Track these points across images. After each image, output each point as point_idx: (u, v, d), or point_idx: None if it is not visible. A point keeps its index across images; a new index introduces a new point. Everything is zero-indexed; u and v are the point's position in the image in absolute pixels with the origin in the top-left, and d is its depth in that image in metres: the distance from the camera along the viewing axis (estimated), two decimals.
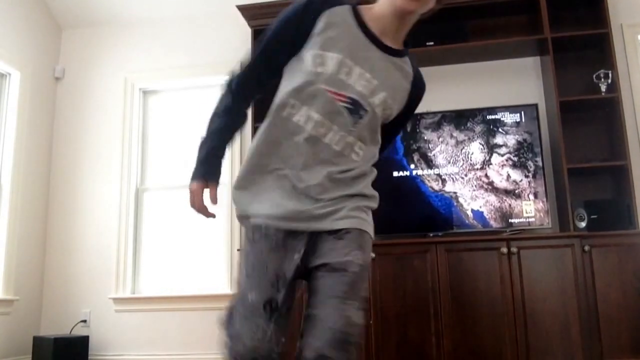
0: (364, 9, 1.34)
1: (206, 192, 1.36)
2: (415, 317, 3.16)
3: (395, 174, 3.57)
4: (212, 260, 4.02)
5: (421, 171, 3.56)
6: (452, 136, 3.57)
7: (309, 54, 1.28)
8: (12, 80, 4.06)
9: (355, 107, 1.29)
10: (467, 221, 3.46)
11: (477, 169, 3.51)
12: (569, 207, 3.29)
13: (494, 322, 3.10)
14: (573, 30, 3.59)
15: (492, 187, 3.47)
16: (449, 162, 3.54)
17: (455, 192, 3.51)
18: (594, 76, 3.50)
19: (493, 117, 3.55)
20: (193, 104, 4.29)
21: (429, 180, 3.54)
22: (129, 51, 4.40)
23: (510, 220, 3.42)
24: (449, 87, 3.83)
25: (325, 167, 1.28)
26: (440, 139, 3.57)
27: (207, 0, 4.23)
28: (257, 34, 3.88)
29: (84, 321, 3.99)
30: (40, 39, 4.31)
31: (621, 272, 3.08)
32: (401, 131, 1.86)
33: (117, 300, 3.99)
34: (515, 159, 3.48)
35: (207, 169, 1.36)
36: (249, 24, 3.92)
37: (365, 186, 1.35)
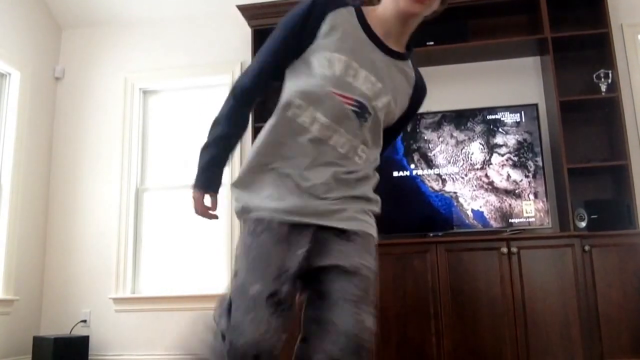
0: (367, 10, 1.33)
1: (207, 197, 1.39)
2: (415, 317, 3.16)
3: (395, 173, 3.57)
4: (212, 260, 4.02)
5: (421, 171, 3.55)
6: (452, 136, 3.57)
7: (315, 58, 1.27)
8: (12, 80, 4.06)
9: (362, 111, 1.28)
10: (467, 221, 3.46)
11: (477, 169, 3.51)
12: (569, 207, 3.29)
13: (494, 322, 3.10)
14: (573, 30, 3.59)
15: (492, 187, 3.47)
16: (449, 162, 3.54)
17: (455, 192, 3.50)
18: (594, 76, 3.50)
19: (493, 117, 3.55)
20: (193, 104, 4.29)
21: (429, 180, 3.54)
22: (129, 51, 4.39)
23: (510, 220, 3.42)
24: (449, 87, 3.84)
25: (331, 167, 1.27)
26: (441, 139, 3.57)
27: (207, 0, 4.23)
28: (257, 34, 3.88)
29: (84, 321, 3.99)
30: (40, 39, 4.31)
31: (621, 272, 3.08)
32: (401, 133, 1.86)
33: (117, 300, 3.99)
34: (516, 158, 3.48)
35: (208, 179, 1.36)
36: (249, 24, 3.92)
37: (368, 189, 1.35)
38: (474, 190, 3.49)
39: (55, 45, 4.47)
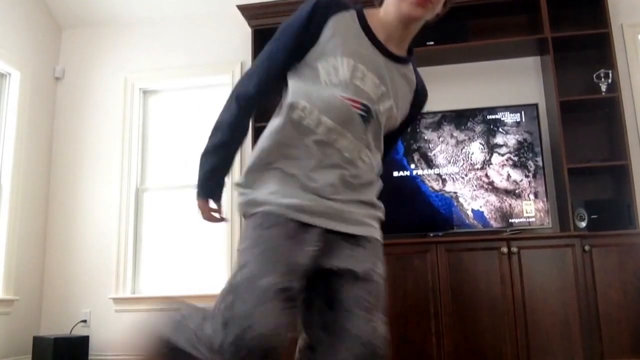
0: (369, 14, 1.31)
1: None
2: (415, 317, 3.16)
3: (395, 173, 3.57)
4: (212, 260, 4.02)
5: (421, 171, 3.55)
6: (452, 136, 3.57)
7: (320, 64, 1.25)
8: (12, 80, 4.06)
9: (367, 114, 1.27)
10: (467, 221, 3.46)
11: (478, 169, 3.51)
12: (569, 207, 3.29)
13: (494, 322, 3.10)
14: (573, 30, 3.59)
15: (492, 187, 3.47)
16: (449, 162, 3.54)
17: (455, 192, 3.50)
18: (594, 76, 3.49)
19: (493, 117, 3.55)
20: (193, 104, 4.28)
21: (429, 180, 3.54)
22: (129, 51, 4.39)
23: (510, 220, 3.42)
24: (449, 87, 3.83)
25: (337, 169, 1.26)
26: (441, 139, 3.57)
27: (207, 0, 4.23)
28: (257, 33, 3.88)
29: (84, 321, 3.99)
30: (40, 39, 4.31)
31: (621, 272, 3.08)
32: (400, 138, 1.85)
33: (117, 300, 3.99)
34: (516, 158, 3.48)
35: (211, 188, 1.34)
36: (249, 24, 3.92)
37: (373, 195, 1.34)
38: (474, 190, 3.49)
39: (55, 45, 4.47)
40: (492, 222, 3.43)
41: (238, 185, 1.32)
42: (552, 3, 3.57)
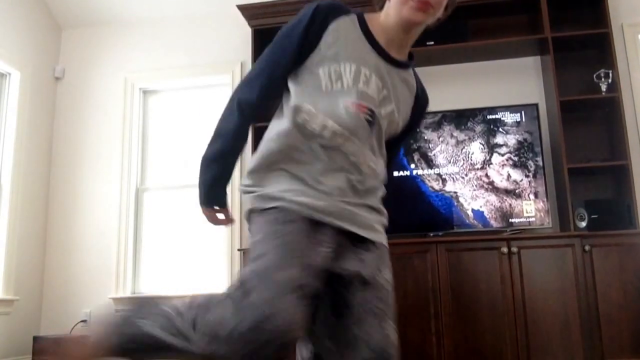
0: (369, 18, 1.30)
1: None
2: (415, 317, 3.16)
3: (395, 173, 3.57)
4: (212, 260, 4.01)
5: (421, 171, 3.55)
6: (452, 136, 3.56)
7: (322, 70, 1.24)
8: (12, 80, 4.06)
9: (373, 119, 1.26)
10: (467, 221, 3.46)
11: (478, 169, 3.51)
12: (569, 207, 3.28)
13: (494, 322, 3.10)
14: (573, 29, 3.59)
15: (492, 187, 3.47)
16: (449, 162, 3.54)
17: (455, 192, 3.50)
18: (595, 76, 3.49)
19: (493, 116, 3.55)
20: (193, 104, 4.28)
21: (429, 180, 3.54)
22: (129, 51, 4.39)
23: (510, 220, 3.42)
24: (449, 86, 3.83)
25: (344, 173, 1.24)
26: (441, 139, 3.57)
27: (207, 0, 4.23)
28: (257, 33, 3.88)
29: (84, 321, 3.98)
30: (40, 39, 4.31)
31: (622, 272, 3.07)
32: (402, 147, 1.83)
33: (117, 300, 3.99)
34: (516, 158, 3.48)
35: (215, 196, 1.33)
36: (249, 24, 3.92)
37: (379, 201, 1.33)
38: (474, 190, 3.48)
39: (55, 45, 4.47)
40: (492, 222, 3.43)
41: (245, 186, 1.29)
42: (552, 3, 3.57)
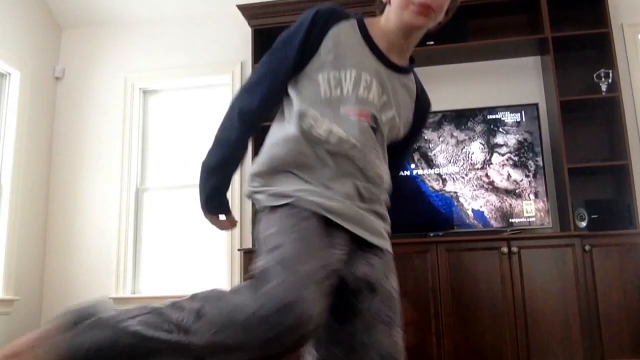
0: (369, 23, 1.29)
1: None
2: (416, 317, 3.16)
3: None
4: (212, 260, 4.01)
5: (422, 171, 3.55)
6: (452, 136, 3.56)
7: (322, 77, 1.22)
8: (12, 80, 4.06)
9: (376, 124, 1.25)
10: (467, 221, 3.46)
11: (478, 169, 3.50)
12: (569, 207, 3.28)
13: (494, 322, 3.09)
14: (573, 29, 3.58)
15: (492, 187, 3.47)
16: (450, 162, 3.54)
17: (455, 192, 3.50)
18: (595, 76, 3.49)
19: (493, 116, 3.54)
20: (193, 104, 4.28)
21: (429, 180, 3.54)
22: (129, 51, 4.39)
23: (510, 220, 3.41)
24: (450, 86, 3.83)
25: (351, 179, 1.23)
26: (441, 139, 3.57)
27: (207, 0, 4.22)
28: (257, 33, 3.88)
29: None
30: (40, 38, 4.31)
31: (622, 272, 3.07)
32: (407, 155, 1.82)
33: (117, 300, 3.99)
34: (516, 158, 3.48)
35: (216, 204, 1.32)
36: (249, 24, 3.92)
37: (384, 208, 1.32)
38: (475, 190, 3.48)
39: (55, 45, 4.47)
40: (492, 222, 3.43)
41: (252, 187, 1.27)
42: (552, 3, 3.56)
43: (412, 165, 3.57)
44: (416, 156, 3.57)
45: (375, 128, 1.25)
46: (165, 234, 4.13)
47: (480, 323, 3.10)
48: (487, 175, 3.49)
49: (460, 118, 3.57)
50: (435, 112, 3.56)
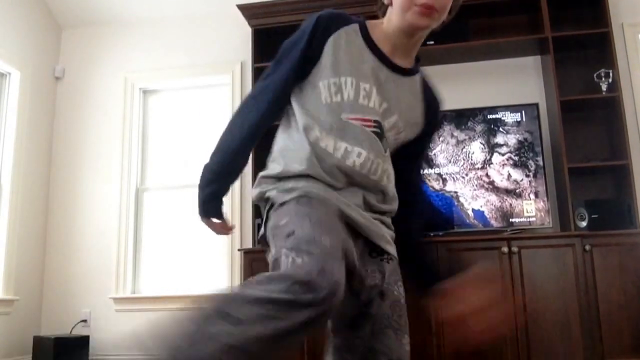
0: (372, 26, 1.27)
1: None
2: (415, 317, 3.15)
3: None
4: (212, 260, 4.01)
5: (422, 170, 3.55)
6: (452, 135, 3.56)
7: (322, 83, 1.22)
8: (12, 80, 4.06)
9: (381, 131, 1.24)
10: (467, 221, 3.46)
11: (478, 169, 3.50)
12: (569, 207, 3.28)
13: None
14: (574, 29, 3.58)
15: (492, 187, 3.47)
16: (450, 162, 3.54)
17: (456, 192, 3.50)
18: (595, 75, 3.49)
19: (494, 116, 3.54)
20: (193, 104, 4.28)
21: (429, 180, 3.54)
22: (129, 51, 4.39)
23: (511, 220, 3.41)
24: (450, 86, 3.82)
25: (358, 188, 1.22)
26: (441, 139, 3.57)
27: (207, 0, 4.22)
28: (257, 33, 3.87)
29: (84, 321, 3.98)
30: (40, 38, 4.31)
31: (622, 272, 3.07)
32: (423, 161, 1.76)
33: (117, 300, 3.99)
34: (516, 158, 3.48)
35: (212, 210, 1.31)
36: (249, 24, 3.92)
37: (388, 217, 1.31)
38: (475, 189, 3.48)
39: (55, 45, 4.47)
40: (493, 222, 3.43)
41: (262, 188, 1.25)
42: (552, 3, 3.56)
43: None
44: None
45: (380, 134, 1.23)
46: (165, 234, 4.13)
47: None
48: (487, 175, 3.49)
49: (461, 118, 3.57)
50: None
